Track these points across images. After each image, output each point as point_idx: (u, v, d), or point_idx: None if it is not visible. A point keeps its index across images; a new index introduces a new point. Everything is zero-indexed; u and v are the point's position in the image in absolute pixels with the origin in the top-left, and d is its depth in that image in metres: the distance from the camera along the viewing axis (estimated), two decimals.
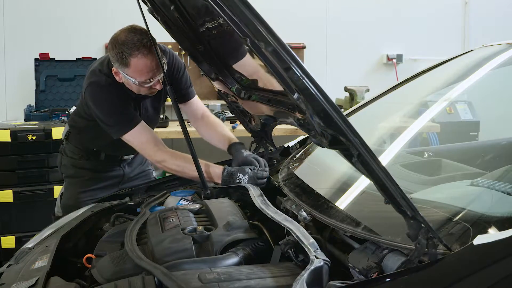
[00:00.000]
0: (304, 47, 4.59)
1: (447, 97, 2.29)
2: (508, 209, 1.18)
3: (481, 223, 1.15)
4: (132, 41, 1.99)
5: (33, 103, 4.00)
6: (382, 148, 2.15)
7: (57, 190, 3.12)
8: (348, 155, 1.04)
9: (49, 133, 3.13)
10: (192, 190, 2.08)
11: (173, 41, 2.11)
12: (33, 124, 3.32)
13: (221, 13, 1.14)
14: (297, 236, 1.33)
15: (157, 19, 2.00)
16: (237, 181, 1.97)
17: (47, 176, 3.16)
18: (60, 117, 3.63)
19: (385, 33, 4.88)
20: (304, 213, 1.49)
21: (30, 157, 3.14)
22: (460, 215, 1.18)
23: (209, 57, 1.83)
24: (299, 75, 0.95)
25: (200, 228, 1.54)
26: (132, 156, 2.51)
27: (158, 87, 2.10)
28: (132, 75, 2.04)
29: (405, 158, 2.01)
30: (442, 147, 2.71)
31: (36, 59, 4.04)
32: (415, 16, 4.93)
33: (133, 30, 2.03)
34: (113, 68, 2.10)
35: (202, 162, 2.03)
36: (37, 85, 4.03)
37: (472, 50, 2.30)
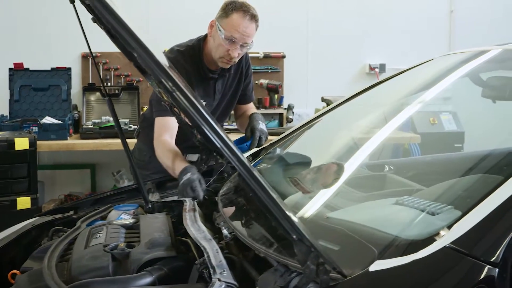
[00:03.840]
0: (283, 57, 4.53)
1: (407, 107, 2.21)
2: (424, 231, 1.09)
3: (390, 246, 1.07)
4: (246, 6, 2.23)
5: (6, 113, 3.97)
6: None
7: (20, 201, 3.07)
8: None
9: (11, 144, 3.07)
10: (136, 204, 2.02)
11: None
12: None
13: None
14: (208, 256, 1.27)
15: (101, 27, 1.95)
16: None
17: (10, 188, 3.10)
18: (31, 127, 3.58)
19: (368, 42, 4.81)
20: (225, 231, 1.43)
21: None
22: (369, 237, 1.11)
23: None
24: (169, 88, 0.89)
25: (122, 245, 1.48)
26: (196, 159, 2.46)
27: (236, 55, 2.25)
28: (225, 27, 2.21)
29: (356, 172, 1.93)
30: (405, 160, 2.63)
31: (10, 69, 4.01)
32: (399, 25, 4.85)
33: (251, 5, 2.26)
34: (211, 20, 2.29)
35: (172, 155, 2.14)
36: (11, 95, 3.99)
37: (432, 59, 2.23)
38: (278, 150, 2.21)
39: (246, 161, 0.93)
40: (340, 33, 4.73)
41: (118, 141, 3.72)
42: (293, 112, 4.39)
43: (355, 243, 1.11)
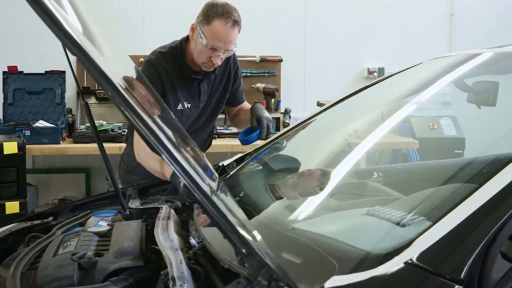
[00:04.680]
0: (281, 60, 4.48)
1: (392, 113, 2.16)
2: (388, 244, 1.04)
3: (351, 260, 1.01)
4: (228, 11, 2.15)
5: (0, 116, 3.95)
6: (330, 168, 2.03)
7: (9, 206, 3.05)
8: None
9: (0, 148, 3.05)
10: (115, 211, 1.98)
11: None
12: None
13: None
14: (171, 266, 1.23)
15: None
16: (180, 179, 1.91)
17: None
18: (24, 131, 3.56)
19: (367, 45, 4.75)
20: (193, 240, 1.39)
21: None
22: (332, 250, 1.05)
23: None
24: (109, 94, 0.84)
25: (90, 253, 1.44)
26: None
27: (219, 61, 2.22)
28: (206, 34, 2.15)
29: (337, 179, 1.88)
30: (395, 166, 2.57)
31: (4, 72, 3.98)
32: (398, 28, 4.79)
33: (233, 7, 2.19)
34: (193, 23, 2.22)
35: (158, 158, 2.04)
36: (5, 98, 3.97)
37: (421, 63, 2.19)
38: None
39: (191, 170, 0.88)
40: (338, 36, 4.68)
41: (112, 145, 3.71)
42: (290, 117, 4.34)
43: (317, 256, 1.05)
